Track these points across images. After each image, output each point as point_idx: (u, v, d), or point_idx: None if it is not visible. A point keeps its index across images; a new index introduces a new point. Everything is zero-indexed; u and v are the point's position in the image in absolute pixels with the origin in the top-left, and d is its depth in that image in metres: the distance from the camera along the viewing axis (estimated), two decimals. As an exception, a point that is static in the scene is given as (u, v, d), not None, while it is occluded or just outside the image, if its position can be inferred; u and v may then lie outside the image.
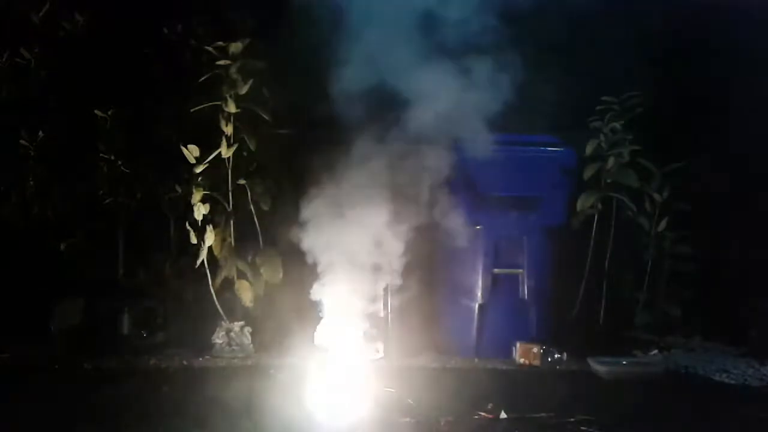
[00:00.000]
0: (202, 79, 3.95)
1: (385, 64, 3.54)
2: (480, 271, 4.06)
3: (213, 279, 4.00)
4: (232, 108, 3.89)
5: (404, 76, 3.58)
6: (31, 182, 4.24)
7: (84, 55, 4.35)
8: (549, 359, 3.94)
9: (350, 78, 3.50)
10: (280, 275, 4.06)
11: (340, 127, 4.05)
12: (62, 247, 4.36)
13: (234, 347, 3.99)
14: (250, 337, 4.02)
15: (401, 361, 3.88)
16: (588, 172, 4.29)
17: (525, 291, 4.06)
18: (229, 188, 4.01)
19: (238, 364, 3.88)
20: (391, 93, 3.59)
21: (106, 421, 2.89)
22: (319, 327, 3.39)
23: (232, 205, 4.03)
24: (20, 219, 4.28)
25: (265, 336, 4.07)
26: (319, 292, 3.37)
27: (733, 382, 3.74)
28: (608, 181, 4.29)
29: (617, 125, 4.24)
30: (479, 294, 4.06)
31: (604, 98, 4.25)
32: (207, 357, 3.96)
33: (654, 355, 4.12)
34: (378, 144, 3.58)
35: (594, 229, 4.31)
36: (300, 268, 4.02)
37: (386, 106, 3.59)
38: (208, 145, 3.95)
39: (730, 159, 4.44)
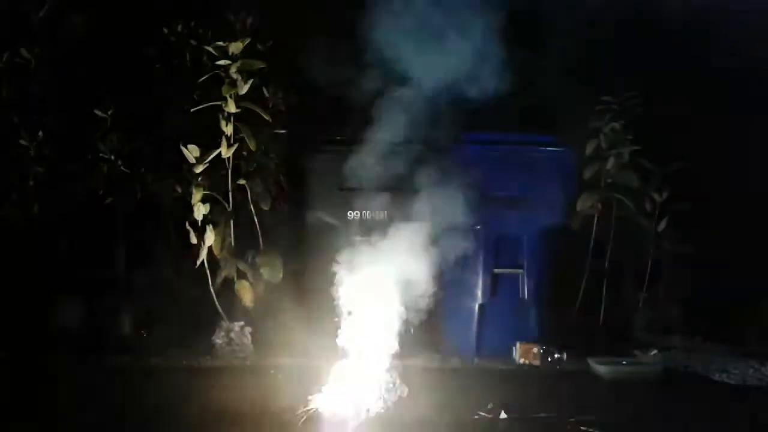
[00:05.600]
0: (202, 79, 3.95)
1: (381, 62, 3.55)
2: (480, 271, 4.06)
3: (213, 279, 4.00)
4: (232, 108, 3.89)
5: (401, 74, 3.58)
6: (31, 182, 4.23)
7: (84, 55, 4.35)
8: (549, 359, 3.94)
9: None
10: (280, 275, 4.06)
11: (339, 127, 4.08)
12: (62, 247, 4.36)
13: (234, 347, 3.99)
14: (250, 337, 4.02)
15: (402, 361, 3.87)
16: (588, 172, 4.29)
17: (525, 291, 4.06)
18: (229, 188, 4.01)
19: (238, 364, 3.88)
20: (390, 92, 3.59)
21: (105, 421, 2.89)
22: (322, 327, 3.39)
23: (232, 205, 4.03)
24: (20, 219, 4.27)
25: (265, 336, 4.06)
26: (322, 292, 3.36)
27: (732, 382, 3.74)
28: (608, 181, 4.29)
29: (617, 125, 4.24)
30: (479, 294, 4.06)
31: (604, 98, 4.26)
32: (207, 357, 3.96)
33: (654, 355, 4.12)
34: (378, 145, 3.59)
35: (594, 229, 4.31)
36: (300, 267, 4.04)
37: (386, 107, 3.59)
38: (208, 145, 3.94)
39: (729, 159, 4.44)
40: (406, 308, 3.51)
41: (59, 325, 4.11)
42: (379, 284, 3.27)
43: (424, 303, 3.84)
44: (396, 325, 3.28)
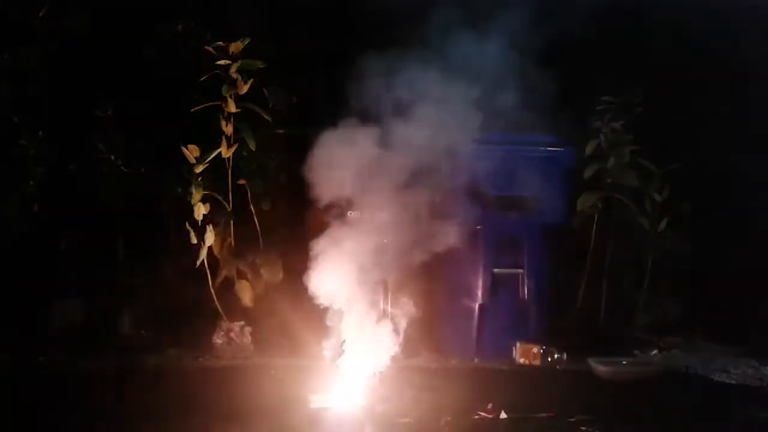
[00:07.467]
0: (202, 79, 3.95)
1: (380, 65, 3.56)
2: (480, 271, 4.06)
3: (213, 279, 4.00)
4: (232, 108, 3.89)
5: (403, 75, 3.59)
6: (31, 182, 4.24)
7: (84, 55, 4.35)
8: (549, 359, 3.94)
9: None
10: (280, 275, 4.06)
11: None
12: (62, 247, 4.36)
13: (234, 347, 3.99)
14: (250, 337, 4.02)
15: (402, 361, 3.87)
16: (588, 172, 4.29)
17: (525, 291, 4.06)
18: (229, 188, 4.01)
19: (238, 364, 3.87)
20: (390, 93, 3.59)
21: (106, 421, 2.89)
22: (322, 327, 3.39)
23: (232, 205, 4.03)
24: (20, 219, 4.28)
25: (265, 336, 4.06)
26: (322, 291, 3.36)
27: (733, 382, 3.74)
28: (608, 181, 4.29)
29: (617, 125, 4.24)
30: (479, 294, 4.06)
31: (604, 98, 4.26)
32: (207, 357, 3.96)
33: (654, 355, 4.12)
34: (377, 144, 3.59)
35: (594, 229, 4.31)
36: (300, 267, 4.03)
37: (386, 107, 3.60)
38: (208, 145, 3.95)
39: (729, 159, 4.45)
40: (406, 308, 3.52)
41: (59, 325, 4.11)
42: (379, 284, 3.28)
43: (423, 303, 3.86)
44: (395, 326, 3.29)
